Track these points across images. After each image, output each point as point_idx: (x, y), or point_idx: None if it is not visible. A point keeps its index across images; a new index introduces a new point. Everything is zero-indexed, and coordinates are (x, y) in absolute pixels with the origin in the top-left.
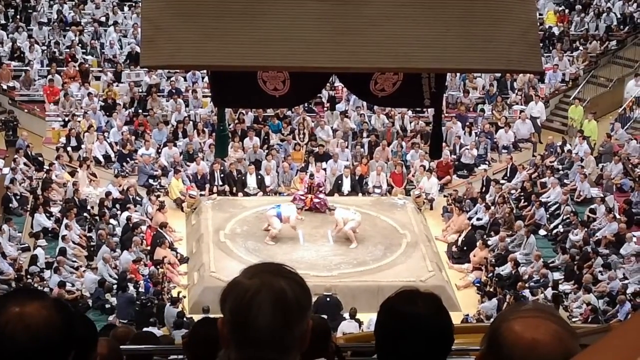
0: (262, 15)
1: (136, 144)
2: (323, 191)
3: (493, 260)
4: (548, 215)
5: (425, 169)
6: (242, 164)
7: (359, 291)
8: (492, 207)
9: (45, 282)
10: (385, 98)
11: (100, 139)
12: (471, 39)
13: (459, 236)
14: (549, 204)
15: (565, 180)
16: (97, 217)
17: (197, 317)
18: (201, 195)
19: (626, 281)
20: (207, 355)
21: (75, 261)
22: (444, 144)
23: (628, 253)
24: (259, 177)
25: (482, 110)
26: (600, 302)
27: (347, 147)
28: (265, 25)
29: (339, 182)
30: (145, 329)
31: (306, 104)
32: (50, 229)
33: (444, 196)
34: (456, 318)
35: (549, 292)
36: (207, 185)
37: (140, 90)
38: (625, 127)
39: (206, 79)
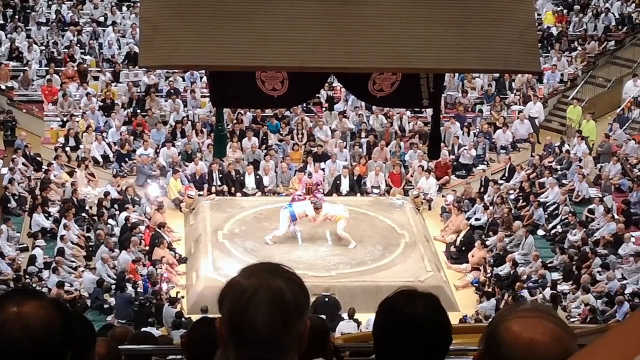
0: (261, 16)
1: (134, 144)
2: (321, 190)
3: (491, 261)
4: (546, 216)
5: (423, 169)
6: (241, 164)
7: (358, 291)
8: (491, 207)
9: (43, 282)
10: (383, 98)
11: (99, 139)
12: (469, 39)
13: (458, 236)
14: (547, 204)
15: (564, 181)
16: (95, 217)
17: (195, 318)
18: (199, 195)
19: (624, 281)
20: (205, 355)
21: (73, 261)
22: (442, 144)
23: (626, 253)
24: (258, 177)
25: (480, 111)
26: (598, 303)
27: (345, 148)
28: (264, 26)
29: (338, 182)
30: (143, 329)
31: (305, 104)
32: (48, 229)
33: (442, 196)
34: (454, 318)
35: (548, 292)
36: (206, 186)
37: (139, 91)
38: (624, 128)
39: (204, 79)
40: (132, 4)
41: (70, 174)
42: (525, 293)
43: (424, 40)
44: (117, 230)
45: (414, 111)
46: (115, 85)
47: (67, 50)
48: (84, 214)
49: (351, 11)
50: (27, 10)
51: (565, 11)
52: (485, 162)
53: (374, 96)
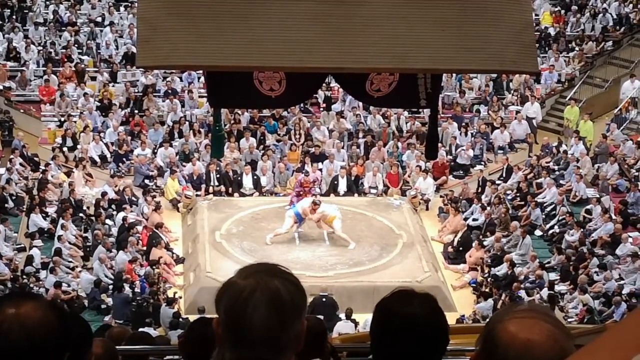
0: (258, 16)
1: (132, 144)
2: (318, 186)
3: (489, 261)
4: (544, 216)
5: (421, 170)
6: (238, 165)
7: (355, 292)
8: (488, 208)
9: (41, 282)
10: (381, 98)
11: (96, 139)
12: (467, 40)
13: (455, 237)
14: (544, 205)
15: (561, 181)
16: (93, 218)
17: (193, 318)
18: (197, 195)
19: (622, 282)
20: (202, 355)
21: (71, 261)
22: (439, 144)
23: (624, 254)
24: (255, 177)
25: (478, 111)
26: (596, 303)
27: (343, 148)
28: (261, 26)
29: (335, 182)
30: (141, 330)
31: (302, 105)
32: (46, 230)
33: (440, 197)
34: (452, 318)
35: (545, 292)
36: (203, 186)
37: (136, 91)
38: (621, 128)
39: (202, 79)
40: (129, 4)
41: (68, 174)
42: (522, 293)
43: (421, 41)
44: (114, 231)
45: (412, 111)
46: (113, 86)
47: (64, 50)
48: (81, 214)
49: (348, 11)
50: (25, 11)
51: (562, 11)
52: (482, 163)
53: (372, 96)
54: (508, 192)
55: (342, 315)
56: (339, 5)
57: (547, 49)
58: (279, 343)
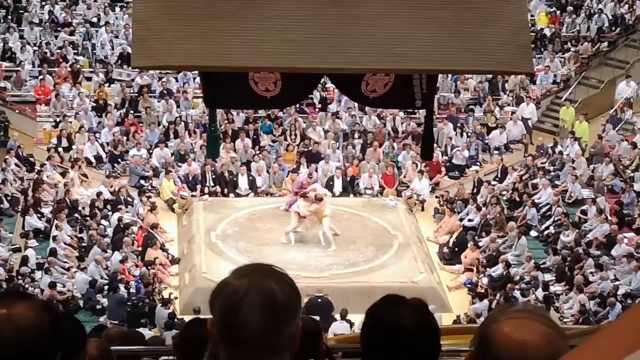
0: (254, 17)
1: (127, 144)
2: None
3: (484, 262)
4: (539, 217)
5: (416, 170)
6: (234, 165)
7: (351, 292)
8: (484, 209)
9: (36, 282)
10: (376, 99)
11: (92, 139)
12: (462, 41)
13: (451, 237)
14: (540, 205)
15: (557, 182)
16: (88, 218)
17: (188, 319)
18: (192, 196)
19: (617, 282)
20: (196, 356)
21: (66, 262)
22: (435, 145)
23: (619, 254)
24: (251, 178)
25: (472, 111)
26: (591, 303)
27: (338, 148)
28: (257, 27)
29: (331, 183)
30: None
31: (298, 105)
32: (41, 230)
33: (436, 197)
34: (447, 319)
35: (540, 293)
36: (199, 186)
37: (132, 91)
38: (617, 129)
39: (197, 79)
40: (125, 5)
41: (63, 174)
42: (517, 294)
43: (417, 41)
44: (109, 231)
45: (407, 112)
46: (109, 86)
47: (60, 50)
48: (76, 215)
49: (344, 12)
50: (20, 11)
51: (558, 12)
52: (478, 163)
53: (367, 97)
54: (503, 192)
55: (338, 316)
56: (334, 6)
57: (542, 49)
58: (274, 343)
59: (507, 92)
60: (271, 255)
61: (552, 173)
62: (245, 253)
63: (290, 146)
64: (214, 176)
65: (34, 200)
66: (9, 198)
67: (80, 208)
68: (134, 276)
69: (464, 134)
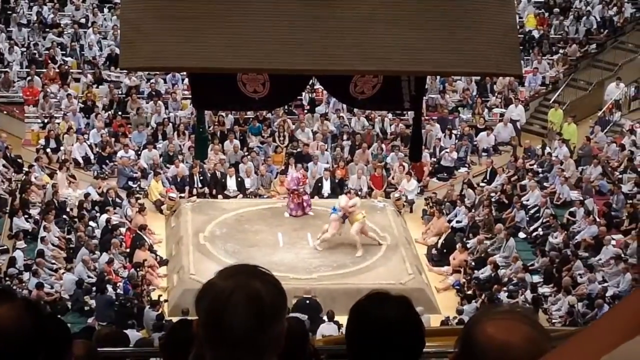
0: (242, 18)
1: (116, 146)
2: (303, 187)
3: (473, 263)
4: (527, 218)
5: (404, 172)
6: (223, 166)
7: (339, 294)
8: (473, 211)
9: (24, 284)
10: (365, 101)
11: (80, 140)
12: (451, 42)
13: (439, 239)
14: (528, 207)
15: (545, 183)
16: (76, 219)
17: (176, 320)
18: (181, 197)
19: (605, 284)
20: (183, 357)
21: (54, 263)
22: (423, 146)
23: (607, 256)
24: (239, 179)
25: (458, 111)
26: (579, 305)
27: (327, 150)
28: (245, 28)
29: (319, 184)
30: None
31: (286, 107)
32: (29, 231)
33: (425, 199)
34: (436, 320)
35: (529, 295)
36: (187, 188)
37: (120, 92)
38: (605, 131)
39: (186, 81)
40: (113, 6)
41: (51, 175)
42: (505, 296)
43: (406, 43)
44: (97, 232)
45: (396, 113)
46: (97, 87)
47: (48, 51)
48: (64, 216)
49: (332, 14)
50: (8, 12)
51: (546, 14)
52: (466, 165)
53: (356, 98)
54: (492, 194)
55: (326, 317)
56: (322, 7)
57: (531, 51)
58: (259, 344)
59: (496, 94)
60: (259, 257)
61: (541, 175)
62: (233, 254)
63: (278, 148)
64: (202, 178)
65: (21, 202)
66: None
67: (68, 209)
68: (122, 277)
69: (453, 135)
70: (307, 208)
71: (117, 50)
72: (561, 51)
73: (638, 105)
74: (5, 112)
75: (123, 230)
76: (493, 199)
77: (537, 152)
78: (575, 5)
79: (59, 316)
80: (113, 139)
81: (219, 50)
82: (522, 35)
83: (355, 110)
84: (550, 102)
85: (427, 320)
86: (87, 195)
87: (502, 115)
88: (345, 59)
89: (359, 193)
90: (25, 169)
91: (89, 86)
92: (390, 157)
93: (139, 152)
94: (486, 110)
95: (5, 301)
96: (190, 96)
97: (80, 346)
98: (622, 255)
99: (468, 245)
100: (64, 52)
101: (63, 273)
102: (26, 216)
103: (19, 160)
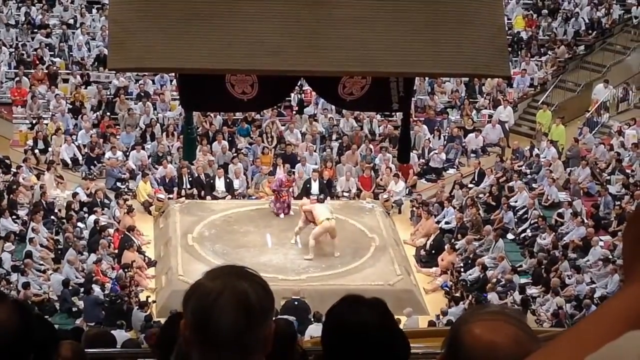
0: (230, 19)
1: (104, 146)
2: (286, 189)
3: (461, 265)
4: (516, 220)
5: (392, 173)
6: (211, 167)
7: (328, 295)
8: (461, 212)
9: (11, 285)
10: (353, 102)
11: (68, 141)
12: (439, 44)
13: (428, 240)
14: (516, 208)
15: (533, 185)
16: (64, 220)
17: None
18: (169, 198)
19: (593, 285)
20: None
21: (42, 264)
22: (412, 148)
23: (595, 258)
24: (228, 180)
25: (447, 113)
26: (567, 306)
27: (315, 151)
28: (234, 29)
29: (308, 185)
30: (112, 332)
31: (275, 108)
32: (17, 232)
33: (410, 201)
34: (424, 321)
35: (518, 296)
36: (175, 189)
37: (109, 93)
38: (593, 132)
39: (175, 82)
40: (101, 7)
41: (39, 176)
42: (495, 297)
43: (394, 44)
44: (86, 233)
45: (384, 115)
46: (85, 88)
47: (36, 52)
48: (52, 217)
49: (321, 14)
50: None
51: (535, 16)
52: (455, 166)
53: (344, 100)
54: (480, 195)
55: (314, 319)
56: (311, 8)
57: (519, 53)
58: (247, 345)
59: (484, 95)
60: (248, 258)
61: (529, 176)
62: (222, 255)
63: (266, 149)
64: (191, 179)
65: (9, 203)
66: None
67: (56, 210)
68: (110, 278)
69: (441, 137)
70: (287, 209)
71: (106, 51)
72: (549, 52)
73: (626, 107)
74: None
75: (111, 231)
76: (481, 200)
77: (525, 153)
78: (563, 6)
79: (46, 317)
80: (101, 140)
81: (208, 51)
82: (511, 37)
83: (344, 111)
84: (539, 103)
85: (416, 322)
86: (75, 195)
87: (490, 116)
88: (333, 60)
89: (346, 194)
90: (13, 169)
91: (77, 87)
92: (379, 158)
93: (128, 153)
94: (475, 111)
95: None
96: (178, 97)
97: (67, 347)
98: (610, 257)
99: (457, 247)
100: (52, 53)
101: (51, 274)
102: (14, 217)
103: (7, 161)
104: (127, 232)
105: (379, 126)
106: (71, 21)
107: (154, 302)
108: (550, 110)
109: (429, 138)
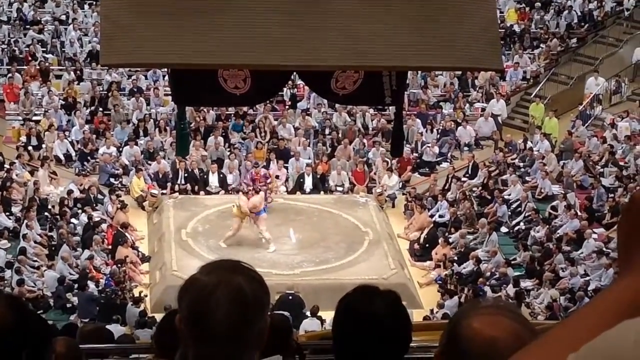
0: (222, 14)
1: (97, 142)
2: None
3: (455, 258)
4: (509, 213)
5: (387, 167)
6: (205, 163)
7: (322, 289)
8: (455, 206)
9: (5, 281)
10: (346, 96)
11: (61, 137)
12: (432, 37)
13: (421, 234)
14: (510, 201)
15: (527, 178)
16: (58, 216)
17: (159, 317)
18: (162, 194)
19: (587, 278)
20: (175, 346)
21: (36, 260)
22: (405, 142)
23: (589, 250)
24: (221, 175)
25: (440, 107)
26: (562, 299)
27: (309, 146)
28: (226, 24)
29: (301, 180)
30: (108, 327)
31: (268, 102)
32: (10, 229)
33: (403, 194)
34: (419, 315)
35: (511, 289)
36: (169, 184)
37: (102, 89)
38: (586, 125)
39: (167, 77)
40: (93, 2)
41: (32, 173)
42: (488, 290)
43: (386, 38)
44: (79, 229)
45: (377, 109)
46: (78, 84)
47: (28, 48)
48: (46, 213)
49: (313, 9)
50: None
51: (527, 9)
52: (448, 160)
53: (337, 94)
54: (474, 189)
55: (309, 313)
56: (303, 3)
57: (512, 46)
58: (242, 339)
59: (477, 89)
60: (241, 253)
61: (522, 169)
62: (215, 251)
63: (259, 144)
64: (186, 174)
65: (3, 199)
66: None
67: (50, 206)
68: (104, 274)
69: (434, 130)
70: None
71: (98, 47)
72: (542, 45)
73: (619, 99)
74: None
75: (105, 227)
76: (475, 194)
77: (518, 146)
78: None
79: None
80: (94, 136)
81: (200, 46)
82: (503, 30)
83: (337, 105)
84: (532, 96)
85: (410, 316)
86: (69, 192)
87: (483, 109)
88: (326, 54)
89: (340, 189)
90: (7, 166)
91: (70, 83)
92: (372, 152)
93: (121, 149)
94: (467, 105)
95: None
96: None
97: (61, 343)
98: (604, 249)
99: (450, 240)
100: (45, 49)
101: (45, 270)
102: (7, 214)
103: (0, 157)
104: (120, 228)
105: (372, 120)
106: (63, 17)
107: (145, 296)
108: (543, 103)
109: (422, 132)
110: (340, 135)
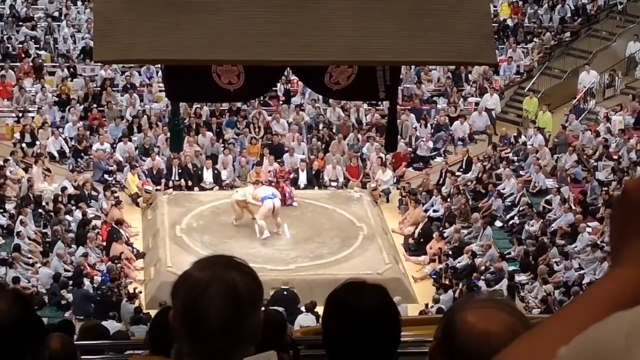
0: (216, 10)
1: (91, 139)
2: (282, 178)
3: (449, 252)
4: (504, 207)
5: (381, 162)
6: (199, 159)
7: (316, 284)
8: (448, 200)
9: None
10: (340, 91)
11: (55, 134)
12: (425, 32)
13: (416, 228)
14: (504, 196)
15: (521, 172)
16: (52, 213)
17: (154, 313)
18: (157, 190)
19: (582, 271)
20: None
21: (30, 257)
22: (399, 136)
23: (583, 244)
24: (216, 171)
25: (435, 102)
26: (556, 293)
27: (303, 141)
28: (219, 20)
29: (295, 175)
30: (104, 323)
31: (262, 98)
32: (5, 226)
33: (397, 189)
34: (413, 310)
35: (505, 283)
36: (163, 180)
37: (95, 86)
38: (580, 118)
39: (160, 73)
40: None
41: (26, 169)
42: (482, 285)
43: (380, 33)
44: (74, 226)
45: (371, 103)
46: (71, 80)
47: (21, 45)
48: (40, 210)
49: (306, 4)
50: None
51: (520, 3)
52: (442, 154)
53: (331, 89)
54: (468, 183)
55: (303, 308)
56: None
57: (505, 40)
58: (236, 335)
59: (471, 83)
60: (236, 249)
61: (516, 163)
62: (210, 246)
63: (253, 139)
64: (180, 170)
65: None
66: None
67: (44, 203)
68: (98, 271)
69: (428, 125)
70: (289, 200)
71: (92, 44)
72: (535, 40)
73: (612, 93)
74: None
75: (99, 223)
76: (469, 188)
77: (512, 140)
78: None
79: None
80: (88, 132)
81: (194, 42)
82: (497, 24)
83: (331, 100)
84: (525, 90)
85: (405, 310)
86: (63, 188)
87: (477, 104)
88: (319, 50)
89: (334, 184)
90: (1, 163)
91: (63, 80)
92: (366, 147)
93: (115, 145)
94: (461, 99)
95: None
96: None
97: (56, 340)
98: (598, 243)
99: (445, 235)
100: (38, 46)
101: (39, 267)
102: (2, 211)
103: None
104: (114, 225)
105: (366, 115)
106: (56, 14)
107: (140, 292)
108: (537, 97)
109: (416, 127)
110: (334, 130)
